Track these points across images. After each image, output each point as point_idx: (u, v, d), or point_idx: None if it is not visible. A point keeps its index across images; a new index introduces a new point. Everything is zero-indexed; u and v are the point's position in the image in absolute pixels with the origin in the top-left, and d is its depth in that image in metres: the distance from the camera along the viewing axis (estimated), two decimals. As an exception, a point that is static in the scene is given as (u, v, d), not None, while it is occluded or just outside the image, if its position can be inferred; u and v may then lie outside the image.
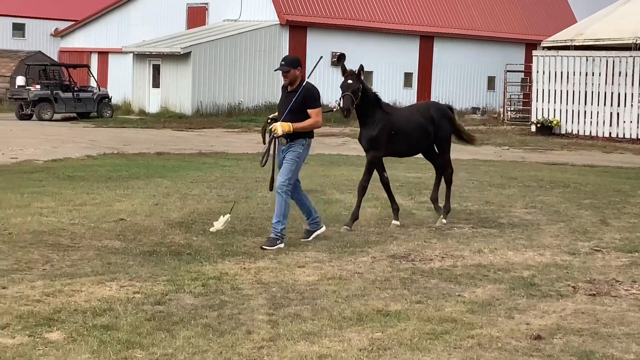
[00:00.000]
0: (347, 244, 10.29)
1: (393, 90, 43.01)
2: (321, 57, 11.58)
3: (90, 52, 48.24)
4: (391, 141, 11.62)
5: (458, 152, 25.06)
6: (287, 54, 39.94)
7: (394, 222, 11.72)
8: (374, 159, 11.61)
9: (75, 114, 37.58)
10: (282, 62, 10.64)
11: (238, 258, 9.37)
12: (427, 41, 45.61)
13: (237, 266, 8.93)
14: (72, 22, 50.80)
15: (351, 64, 11.77)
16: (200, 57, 38.81)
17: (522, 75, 44.31)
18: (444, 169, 12.42)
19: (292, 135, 10.26)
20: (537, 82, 32.67)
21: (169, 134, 30.66)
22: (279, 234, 10.10)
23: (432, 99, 44.18)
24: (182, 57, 38.75)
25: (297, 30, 40.98)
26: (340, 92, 11.24)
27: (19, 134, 28.29)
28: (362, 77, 11.32)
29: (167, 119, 37.37)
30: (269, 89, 40.07)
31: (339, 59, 11.79)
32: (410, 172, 18.11)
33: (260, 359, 6.13)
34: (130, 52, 41.97)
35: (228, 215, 10.70)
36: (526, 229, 11.63)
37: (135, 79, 41.64)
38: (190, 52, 38.45)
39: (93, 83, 40.85)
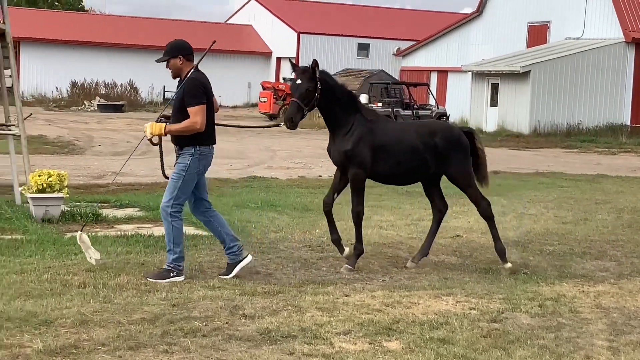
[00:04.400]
0: (695, 273, 9.68)
1: None
2: (214, 42, 9.57)
3: (430, 70, 49.22)
4: (372, 158, 9.33)
5: None
6: (632, 74, 38.38)
7: (346, 253, 9.59)
8: (358, 175, 9.29)
9: (413, 131, 38.45)
10: (164, 50, 8.71)
11: (576, 280, 9.13)
12: None
13: (575, 289, 8.70)
14: (414, 42, 52.13)
15: None
16: (539, 76, 38.30)
17: None
18: (476, 205, 9.97)
19: (180, 142, 8.53)
20: None
21: (506, 153, 30.49)
22: (170, 266, 8.47)
23: None
24: (521, 76, 38.44)
25: (644, 48, 39.23)
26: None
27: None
28: (318, 74, 9.08)
29: (504, 137, 37.24)
30: (611, 109, 38.77)
31: (315, 64, 9.17)
32: None
33: (599, 386, 5.93)
34: (469, 71, 42.32)
35: (80, 233, 8.83)
36: None
37: (473, 98, 41.93)
38: (530, 70, 38.05)
39: (432, 101, 41.63)
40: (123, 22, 60.78)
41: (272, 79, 56.82)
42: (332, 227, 9.61)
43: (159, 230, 11.10)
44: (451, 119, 40.92)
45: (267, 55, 61.99)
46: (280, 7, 62.16)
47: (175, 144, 8.63)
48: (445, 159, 9.58)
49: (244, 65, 60.44)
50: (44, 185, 11.43)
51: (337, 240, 9.62)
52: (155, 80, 53.66)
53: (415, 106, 38.81)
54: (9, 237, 10.22)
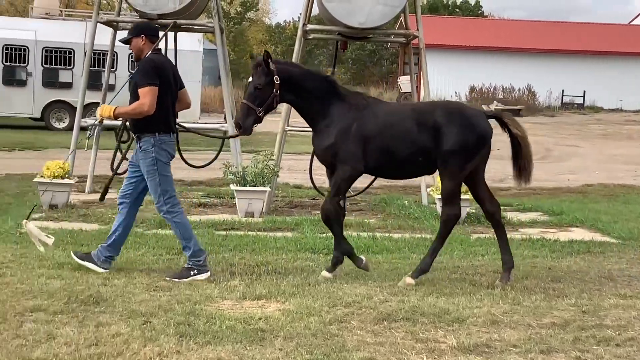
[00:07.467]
0: None
1: None
2: (174, 22, 8.04)
3: None
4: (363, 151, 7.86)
5: None
6: None
7: (324, 273, 8.08)
8: (347, 172, 7.87)
9: None
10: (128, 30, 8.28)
11: None
12: None
13: None
14: None
15: None
16: None
17: None
18: (443, 206, 8.09)
19: (136, 128, 7.99)
20: None
21: None
22: (190, 263, 7.96)
23: None
24: None
25: None
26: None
27: None
28: (272, 66, 7.74)
29: None
30: None
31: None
32: None
33: None
34: None
35: (25, 221, 8.23)
36: None
37: None
38: None
39: None
40: (521, 26, 60.74)
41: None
42: (339, 238, 8.26)
43: (565, 236, 11.00)
44: None
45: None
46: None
47: (133, 132, 8.19)
48: (442, 139, 7.84)
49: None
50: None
51: (337, 259, 8.27)
52: (555, 84, 53.12)
53: None
54: (418, 235, 10.65)
